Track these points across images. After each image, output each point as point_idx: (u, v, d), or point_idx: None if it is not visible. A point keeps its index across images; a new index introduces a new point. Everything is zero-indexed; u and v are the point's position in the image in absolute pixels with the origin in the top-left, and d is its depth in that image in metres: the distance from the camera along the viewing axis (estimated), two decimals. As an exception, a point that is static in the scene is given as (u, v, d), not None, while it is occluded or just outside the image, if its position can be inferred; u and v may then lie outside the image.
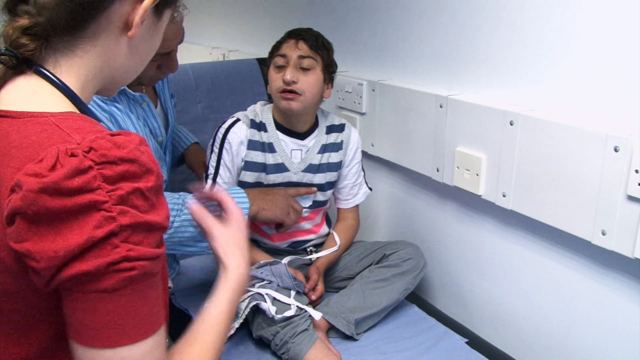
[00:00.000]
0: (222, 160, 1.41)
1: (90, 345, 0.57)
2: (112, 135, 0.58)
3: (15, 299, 0.61)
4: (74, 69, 0.66)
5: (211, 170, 1.43)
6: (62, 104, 0.63)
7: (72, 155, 0.55)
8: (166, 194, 1.25)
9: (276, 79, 1.39)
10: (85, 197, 0.54)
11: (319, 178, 1.49)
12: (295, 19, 2.05)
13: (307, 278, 1.45)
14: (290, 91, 1.37)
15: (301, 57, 1.38)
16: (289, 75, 1.36)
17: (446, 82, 1.44)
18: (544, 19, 1.17)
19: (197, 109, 1.83)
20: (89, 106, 1.08)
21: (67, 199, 0.54)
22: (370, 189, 1.60)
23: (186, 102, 1.80)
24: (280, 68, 1.39)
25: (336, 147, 1.52)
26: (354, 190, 1.57)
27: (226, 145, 1.41)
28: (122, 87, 1.19)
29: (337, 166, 1.52)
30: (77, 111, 0.65)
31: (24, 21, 0.63)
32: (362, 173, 1.59)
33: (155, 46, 0.75)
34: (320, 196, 1.52)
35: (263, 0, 2.29)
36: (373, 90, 1.65)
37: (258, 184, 1.45)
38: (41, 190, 0.53)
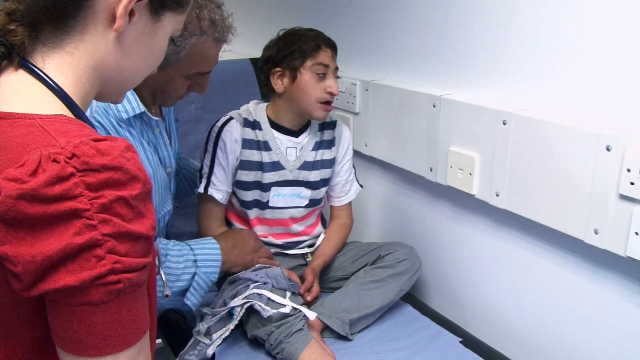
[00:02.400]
0: (216, 159, 1.41)
1: (76, 353, 0.57)
2: (97, 140, 0.56)
3: None
4: (64, 67, 0.64)
5: (205, 170, 1.42)
6: (52, 105, 0.62)
7: (55, 161, 0.53)
8: (171, 248, 1.24)
9: (318, 88, 1.39)
10: (66, 205, 0.53)
11: (314, 175, 1.50)
12: (289, 19, 2.05)
13: (303, 279, 1.45)
14: (330, 101, 1.42)
15: (336, 68, 1.42)
16: (336, 88, 1.40)
17: (439, 82, 1.44)
18: (536, 19, 1.17)
19: (191, 109, 1.83)
20: (99, 122, 1.07)
21: (46, 205, 0.52)
22: (361, 186, 1.61)
23: (179, 103, 1.77)
24: (318, 77, 1.39)
25: (329, 144, 1.52)
26: (346, 187, 1.58)
27: (220, 143, 1.40)
28: (142, 111, 1.15)
29: (330, 163, 1.53)
30: (69, 112, 0.63)
31: (7, 6, 0.62)
32: (353, 170, 1.59)
33: (158, 51, 0.72)
34: (315, 194, 1.52)
35: (256, 1, 2.29)
36: (366, 90, 1.65)
37: (256, 183, 1.44)
38: (20, 197, 0.52)
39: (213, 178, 1.41)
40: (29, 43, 0.63)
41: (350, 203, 1.61)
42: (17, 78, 0.63)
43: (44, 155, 0.54)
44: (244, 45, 2.39)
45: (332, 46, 1.42)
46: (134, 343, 0.59)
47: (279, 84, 1.41)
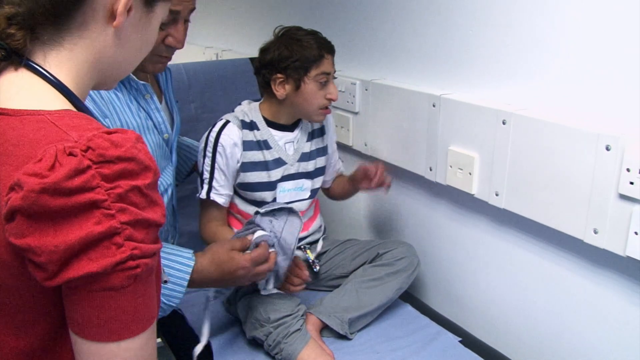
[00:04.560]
0: (216, 164, 1.40)
1: (95, 339, 0.59)
2: (109, 133, 0.58)
3: (13, 294, 0.62)
4: (64, 63, 0.66)
5: (206, 175, 1.41)
6: (57, 101, 0.64)
7: (71, 154, 0.55)
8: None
9: (320, 96, 1.41)
10: (85, 196, 0.55)
11: (312, 165, 1.52)
12: (288, 18, 2.05)
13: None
14: (328, 106, 1.44)
15: (334, 71, 1.43)
16: (336, 94, 1.42)
17: (439, 82, 1.44)
18: (536, 19, 1.17)
19: (190, 108, 1.83)
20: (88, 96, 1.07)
21: (67, 198, 0.55)
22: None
23: (179, 102, 1.79)
24: (321, 85, 1.40)
25: (320, 132, 1.56)
26: (337, 164, 1.66)
27: (219, 148, 1.40)
28: (126, 76, 1.15)
29: (324, 150, 1.56)
30: (72, 107, 0.65)
31: (7, 10, 0.63)
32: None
33: (151, 40, 0.75)
34: (314, 184, 1.54)
35: (256, 0, 2.29)
36: (366, 90, 1.65)
37: (264, 183, 1.44)
38: (42, 191, 0.54)
39: (214, 183, 1.41)
40: (30, 44, 0.64)
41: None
42: (19, 76, 0.64)
43: (59, 149, 0.55)
44: (243, 45, 2.39)
45: (333, 51, 1.42)
46: (149, 327, 0.62)
47: (280, 90, 1.40)
